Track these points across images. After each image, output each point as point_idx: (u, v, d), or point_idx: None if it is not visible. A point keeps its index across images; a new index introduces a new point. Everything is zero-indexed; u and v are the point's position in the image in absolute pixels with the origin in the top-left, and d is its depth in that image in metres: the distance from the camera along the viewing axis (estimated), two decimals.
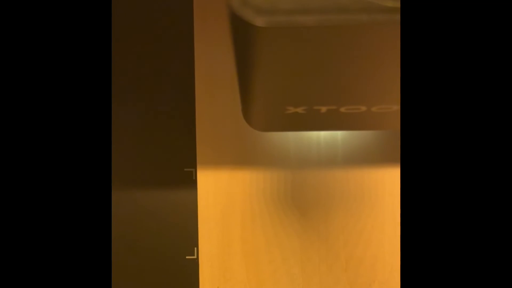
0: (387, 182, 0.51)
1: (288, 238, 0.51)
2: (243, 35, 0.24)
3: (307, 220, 0.51)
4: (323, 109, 0.32)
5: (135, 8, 0.50)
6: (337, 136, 0.51)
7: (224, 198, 0.51)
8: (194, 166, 0.50)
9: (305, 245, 0.51)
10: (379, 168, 0.51)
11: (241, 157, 0.51)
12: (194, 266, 0.51)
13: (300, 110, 0.32)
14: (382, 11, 0.23)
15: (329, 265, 0.51)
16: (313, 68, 0.27)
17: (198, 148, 0.50)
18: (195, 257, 0.51)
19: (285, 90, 0.30)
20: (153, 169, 0.50)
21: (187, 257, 0.51)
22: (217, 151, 0.50)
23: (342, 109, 0.32)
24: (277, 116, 0.34)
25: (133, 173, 0.50)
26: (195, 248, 0.51)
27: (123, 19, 0.50)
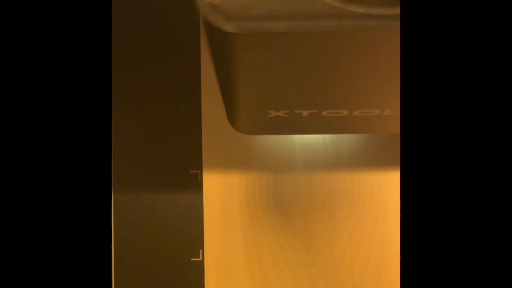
0: (393, 184, 0.51)
1: (293, 240, 0.51)
2: (214, 40, 0.25)
3: (313, 222, 0.51)
4: (305, 113, 0.32)
5: (143, 13, 0.50)
6: (343, 138, 0.51)
7: (229, 201, 0.51)
8: (199, 168, 0.51)
9: (310, 248, 0.51)
10: (385, 170, 0.51)
11: (247, 159, 0.51)
12: (199, 268, 0.51)
13: (281, 114, 0.33)
14: (352, 18, 0.23)
15: (335, 268, 0.51)
16: (288, 73, 0.27)
17: (204, 150, 0.51)
18: (200, 259, 0.51)
19: (264, 94, 0.30)
20: (159, 171, 0.51)
21: (192, 259, 0.51)
22: (223, 153, 0.51)
23: (324, 113, 0.32)
24: (260, 120, 0.34)
25: (139, 175, 0.51)
26: (200, 250, 0.51)
27: (130, 23, 0.50)
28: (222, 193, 0.51)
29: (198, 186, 0.51)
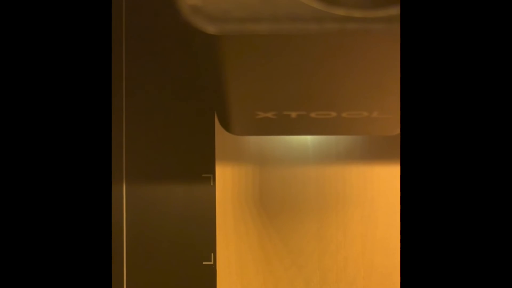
0: None
1: (306, 244, 0.51)
2: (197, 43, 0.25)
3: (325, 226, 0.51)
4: (293, 114, 0.33)
5: (158, 15, 0.51)
6: (356, 139, 0.51)
7: (242, 204, 0.51)
8: (212, 172, 0.51)
9: (323, 252, 0.51)
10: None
11: (259, 161, 0.51)
12: (211, 272, 0.51)
13: (270, 115, 0.33)
14: (334, 21, 0.23)
15: (347, 273, 0.51)
16: (273, 74, 0.27)
17: (217, 153, 0.51)
18: (212, 262, 0.51)
19: (251, 95, 0.30)
20: (171, 174, 0.51)
21: (204, 262, 0.51)
22: (235, 156, 0.51)
23: (313, 115, 0.32)
24: (248, 121, 0.34)
25: (151, 179, 0.51)
26: (212, 254, 0.51)
27: (142, 23, 0.51)
28: (234, 197, 0.51)
29: (211, 190, 0.51)
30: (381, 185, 0.51)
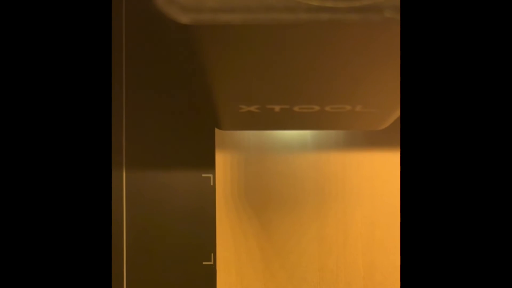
0: None
1: (306, 244, 0.51)
2: (171, 34, 0.25)
3: (325, 226, 0.51)
4: (277, 108, 0.32)
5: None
6: (355, 135, 0.50)
7: (241, 203, 0.51)
8: (212, 171, 0.51)
9: (323, 252, 0.51)
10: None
11: (258, 159, 0.51)
12: (211, 272, 0.51)
13: (253, 109, 0.33)
14: (307, 10, 0.23)
15: (347, 273, 0.51)
16: (251, 66, 0.27)
17: (217, 151, 0.51)
18: (211, 263, 0.51)
19: (232, 88, 0.30)
20: (170, 174, 0.51)
21: (203, 263, 0.51)
22: (235, 152, 0.51)
23: (296, 108, 0.32)
24: (232, 115, 0.34)
25: (151, 179, 0.51)
26: (212, 254, 0.51)
27: (142, 24, 0.51)
28: (233, 196, 0.51)
29: (211, 190, 0.51)
30: (382, 184, 0.51)
